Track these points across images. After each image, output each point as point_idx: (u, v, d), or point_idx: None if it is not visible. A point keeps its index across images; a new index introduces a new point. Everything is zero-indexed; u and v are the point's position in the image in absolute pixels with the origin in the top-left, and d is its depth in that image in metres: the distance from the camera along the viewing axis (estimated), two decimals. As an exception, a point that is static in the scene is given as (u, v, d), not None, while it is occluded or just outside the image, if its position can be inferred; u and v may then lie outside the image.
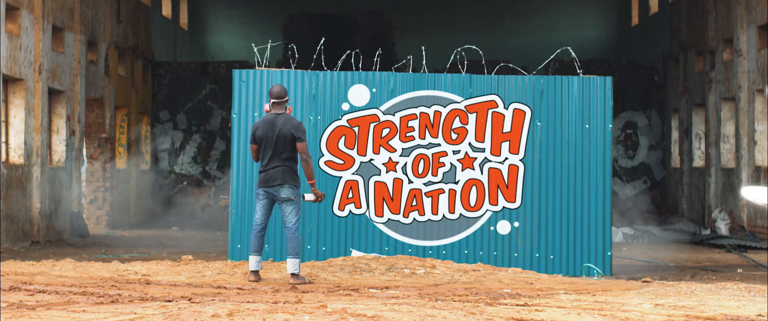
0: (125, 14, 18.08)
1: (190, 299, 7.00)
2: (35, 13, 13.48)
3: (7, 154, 13.04)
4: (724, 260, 11.76)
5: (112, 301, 6.83)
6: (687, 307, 7.08)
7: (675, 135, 19.44)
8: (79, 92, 15.37)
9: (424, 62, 10.26)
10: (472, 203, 9.78)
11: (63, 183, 14.72)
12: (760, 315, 6.71)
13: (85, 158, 16.64)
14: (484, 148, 9.78)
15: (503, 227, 9.75)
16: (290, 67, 10.27)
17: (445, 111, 9.84)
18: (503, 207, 9.75)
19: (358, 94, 9.89)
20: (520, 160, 9.74)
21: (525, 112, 9.76)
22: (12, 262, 9.78)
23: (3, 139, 12.76)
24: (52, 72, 14.19)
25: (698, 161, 17.99)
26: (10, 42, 12.61)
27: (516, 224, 9.71)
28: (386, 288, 7.94)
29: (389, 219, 9.84)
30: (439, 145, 9.84)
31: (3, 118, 12.84)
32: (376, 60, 10.28)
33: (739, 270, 10.56)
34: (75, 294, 7.23)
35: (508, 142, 9.78)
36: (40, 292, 7.33)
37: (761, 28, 14.57)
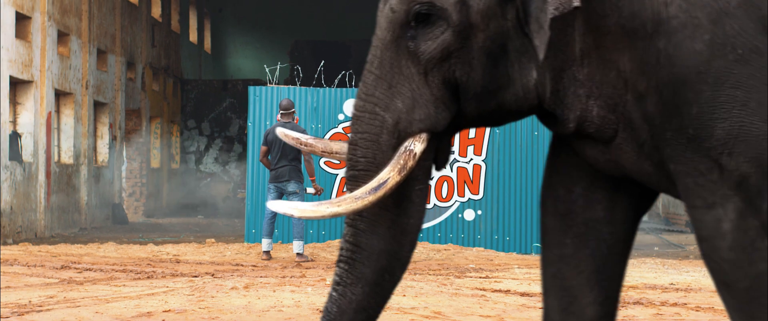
0: (158, 39, 18.07)
1: (213, 275, 7.03)
2: (83, 39, 13.48)
3: (59, 156, 13.04)
4: (645, 240, 11.86)
5: (148, 277, 6.86)
6: (621, 279, 7.16)
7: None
8: (119, 104, 15.37)
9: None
10: (444, 195, 9.84)
11: (106, 179, 14.73)
12: (672, 283, 6.83)
13: (125, 159, 16.63)
14: (454, 151, 9.84)
15: (469, 215, 9.82)
16: (296, 85, 10.30)
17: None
18: (469, 198, 9.82)
19: (352, 107, 9.92)
20: (483, 160, 9.81)
21: (489, 121, 9.84)
22: (63, 245, 9.79)
23: (55, 143, 12.77)
24: (96, 87, 14.19)
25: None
26: (62, 62, 12.62)
27: (479, 212, 9.78)
28: (375, 265, 7.99)
29: (377, 209, 9.87)
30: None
31: (56, 125, 12.84)
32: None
33: (655, 248, 10.66)
34: (116, 271, 7.26)
35: (472, 146, 9.85)
36: (87, 269, 7.35)
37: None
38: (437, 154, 2.22)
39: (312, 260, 8.29)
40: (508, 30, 2.10)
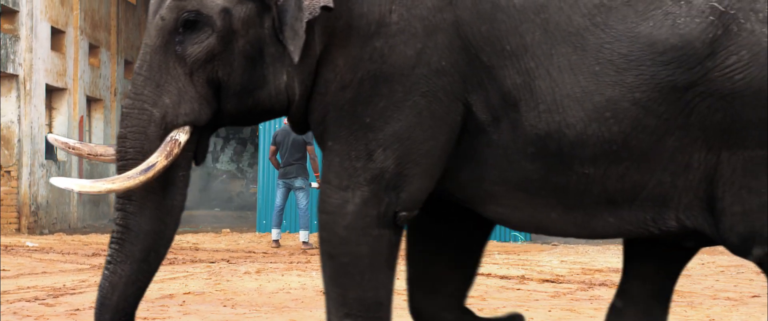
0: (179, 51, 18.07)
1: (228, 261, 7.06)
2: (111, 51, 13.51)
3: (91, 155, 13.07)
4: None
5: (170, 263, 6.88)
6: (583, 262, 7.24)
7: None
8: (144, 109, 15.38)
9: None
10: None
11: (133, 176, 14.74)
12: (638, 268, 6.87)
13: (149, 158, 16.62)
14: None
15: (456, 206, 9.85)
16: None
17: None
18: (458, 192, 9.84)
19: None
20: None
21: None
22: (94, 234, 9.82)
23: (87, 140, 12.78)
24: (124, 94, 14.21)
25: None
26: (92, 72, 12.65)
27: (467, 205, 9.82)
28: (372, 252, 8.01)
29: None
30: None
31: (87, 128, 12.87)
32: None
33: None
34: (142, 257, 7.27)
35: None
36: (116, 256, 7.36)
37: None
38: (197, 149, 2.26)
39: (316, 248, 8.32)
40: (265, 37, 2.16)
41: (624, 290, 2.54)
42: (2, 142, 10.14)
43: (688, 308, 4.97)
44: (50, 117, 11.50)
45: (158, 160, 2.14)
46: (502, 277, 6.19)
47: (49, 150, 11.03)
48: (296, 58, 2.11)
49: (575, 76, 2.11)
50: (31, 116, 10.33)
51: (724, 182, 2.13)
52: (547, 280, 6.09)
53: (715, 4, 2.10)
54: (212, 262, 6.92)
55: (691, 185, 2.16)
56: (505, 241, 9.65)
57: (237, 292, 5.29)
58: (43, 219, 10.51)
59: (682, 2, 2.12)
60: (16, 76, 10.06)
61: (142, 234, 2.22)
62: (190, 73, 2.17)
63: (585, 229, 2.26)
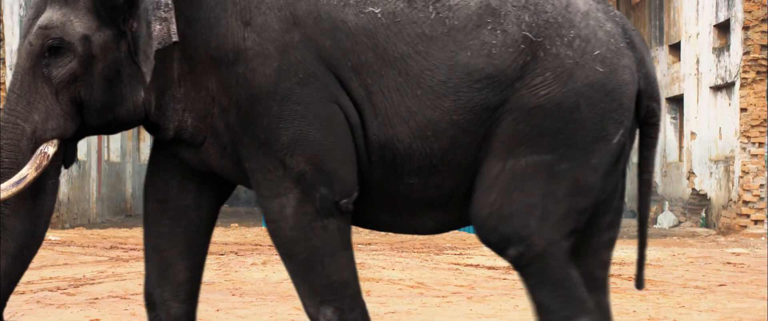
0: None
1: (236, 253, 7.07)
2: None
3: (108, 155, 13.05)
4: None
5: (182, 255, 6.86)
6: (571, 255, 7.22)
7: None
8: (158, 112, 15.34)
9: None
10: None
11: (147, 175, 14.71)
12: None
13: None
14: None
15: (447, 203, 9.83)
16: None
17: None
18: (449, 189, 9.81)
19: None
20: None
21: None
22: (112, 229, 9.81)
23: (105, 145, 12.78)
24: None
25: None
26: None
27: (457, 201, 9.80)
28: (369, 244, 8.03)
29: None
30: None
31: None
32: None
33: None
34: (157, 250, 7.27)
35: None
36: (131, 249, 7.38)
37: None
38: (65, 156, 2.38)
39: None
40: (122, 59, 2.28)
41: None
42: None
43: (660, 296, 4.99)
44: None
45: (29, 172, 2.25)
46: (489, 268, 6.21)
47: (70, 150, 11.00)
48: (148, 79, 2.23)
49: (401, 97, 2.22)
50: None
51: (499, 185, 2.25)
52: (531, 271, 6.10)
53: (527, 33, 2.22)
54: (222, 255, 6.92)
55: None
56: (491, 234, 9.64)
57: (244, 282, 5.30)
58: (65, 215, 10.50)
59: (498, 32, 2.22)
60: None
61: (17, 233, 2.31)
62: (55, 92, 2.28)
63: (408, 228, 2.40)
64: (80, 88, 2.27)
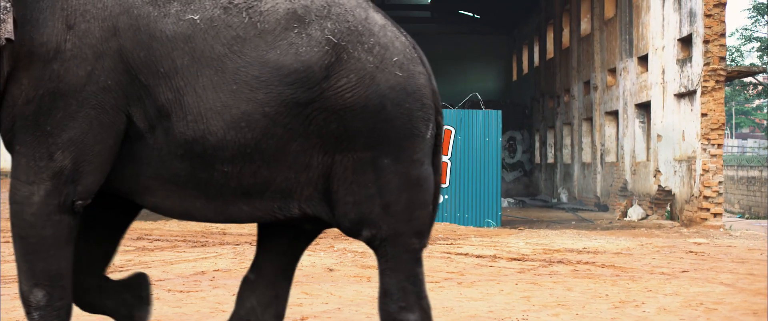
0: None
1: (251, 243, 7.05)
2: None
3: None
4: (565, 217, 11.95)
5: (202, 245, 6.87)
6: (544, 243, 7.25)
7: (537, 144, 19.54)
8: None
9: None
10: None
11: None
12: (584, 247, 6.91)
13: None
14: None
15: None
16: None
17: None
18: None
19: None
20: (449, 158, 9.87)
21: (451, 130, 9.88)
22: (137, 221, 9.77)
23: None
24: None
25: (550, 159, 18.12)
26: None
27: (446, 196, 9.83)
28: (369, 236, 8.00)
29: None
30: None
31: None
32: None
33: (572, 222, 10.73)
34: (178, 241, 7.27)
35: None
36: (156, 240, 7.36)
37: (585, 83, 14.80)
38: None
39: (323, 231, 8.27)
40: None
41: (256, 265, 2.63)
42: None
43: (630, 281, 4.99)
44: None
45: None
46: (477, 256, 6.21)
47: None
48: None
49: (217, 93, 2.23)
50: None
51: (338, 178, 2.28)
52: (515, 259, 6.11)
53: (330, 36, 2.26)
54: (237, 244, 6.91)
55: (311, 181, 2.30)
56: (479, 226, 9.67)
57: (257, 269, 5.27)
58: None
59: (304, 35, 2.26)
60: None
61: None
62: None
63: (223, 215, 2.36)
64: None
